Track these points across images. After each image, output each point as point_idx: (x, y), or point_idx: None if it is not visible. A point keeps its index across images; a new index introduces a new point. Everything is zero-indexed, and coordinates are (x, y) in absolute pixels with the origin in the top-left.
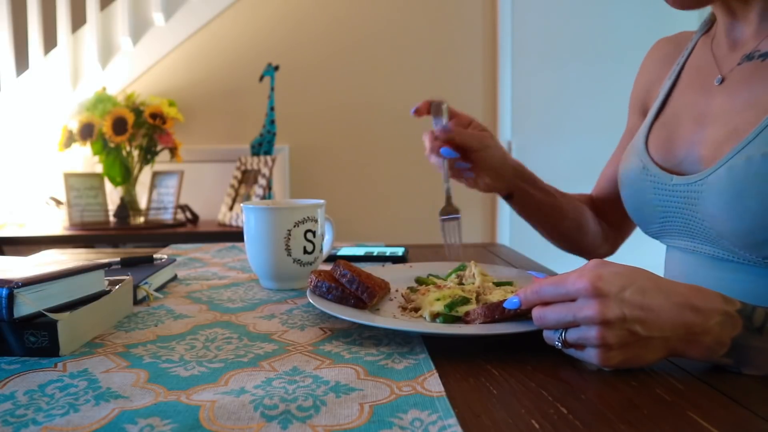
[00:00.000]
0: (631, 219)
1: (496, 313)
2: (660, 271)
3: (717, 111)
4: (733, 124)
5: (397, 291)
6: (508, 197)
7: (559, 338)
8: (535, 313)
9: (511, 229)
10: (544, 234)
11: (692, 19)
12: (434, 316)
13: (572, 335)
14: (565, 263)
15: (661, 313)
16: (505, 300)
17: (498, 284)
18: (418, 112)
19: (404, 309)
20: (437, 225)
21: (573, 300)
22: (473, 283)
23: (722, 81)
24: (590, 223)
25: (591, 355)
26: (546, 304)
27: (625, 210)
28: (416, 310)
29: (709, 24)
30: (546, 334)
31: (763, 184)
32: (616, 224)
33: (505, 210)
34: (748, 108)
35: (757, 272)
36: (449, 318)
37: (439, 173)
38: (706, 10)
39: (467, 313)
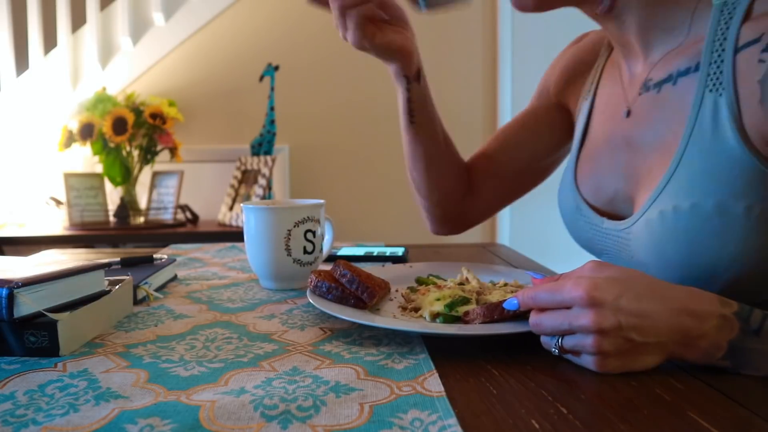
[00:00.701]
0: (495, 207)
1: (495, 313)
2: None
3: (630, 145)
4: (646, 165)
5: (397, 291)
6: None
7: (555, 344)
8: (532, 319)
9: (511, 229)
10: (430, 173)
11: None
12: (434, 316)
13: (569, 342)
14: (565, 264)
15: (657, 320)
16: (504, 300)
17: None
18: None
19: (404, 309)
20: None
21: (569, 307)
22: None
23: (629, 113)
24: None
25: (588, 362)
26: (543, 309)
27: (494, 193)
28: (416, 310)
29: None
30: (543, 339)
31: (680, 236)
32: (484, 204)
33: (504, 210)
34: (653, 150)
35: None
36: (449, 318)
37: None
38: None
39: (466, 313)
